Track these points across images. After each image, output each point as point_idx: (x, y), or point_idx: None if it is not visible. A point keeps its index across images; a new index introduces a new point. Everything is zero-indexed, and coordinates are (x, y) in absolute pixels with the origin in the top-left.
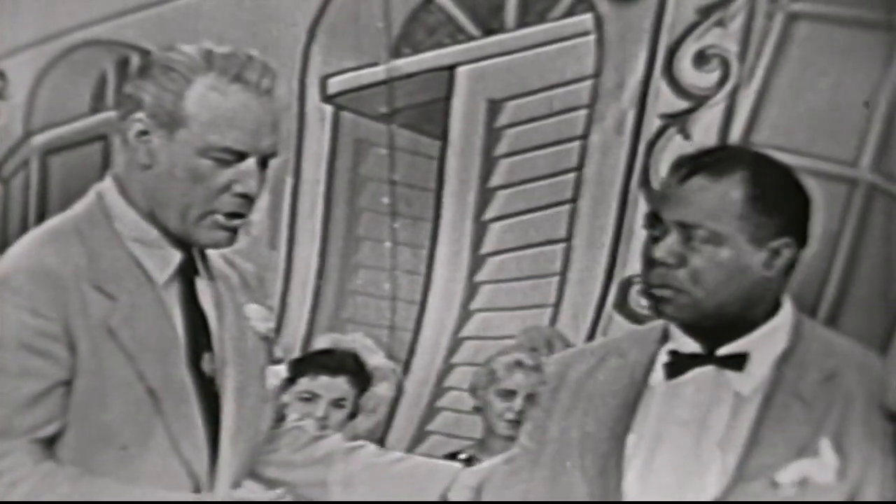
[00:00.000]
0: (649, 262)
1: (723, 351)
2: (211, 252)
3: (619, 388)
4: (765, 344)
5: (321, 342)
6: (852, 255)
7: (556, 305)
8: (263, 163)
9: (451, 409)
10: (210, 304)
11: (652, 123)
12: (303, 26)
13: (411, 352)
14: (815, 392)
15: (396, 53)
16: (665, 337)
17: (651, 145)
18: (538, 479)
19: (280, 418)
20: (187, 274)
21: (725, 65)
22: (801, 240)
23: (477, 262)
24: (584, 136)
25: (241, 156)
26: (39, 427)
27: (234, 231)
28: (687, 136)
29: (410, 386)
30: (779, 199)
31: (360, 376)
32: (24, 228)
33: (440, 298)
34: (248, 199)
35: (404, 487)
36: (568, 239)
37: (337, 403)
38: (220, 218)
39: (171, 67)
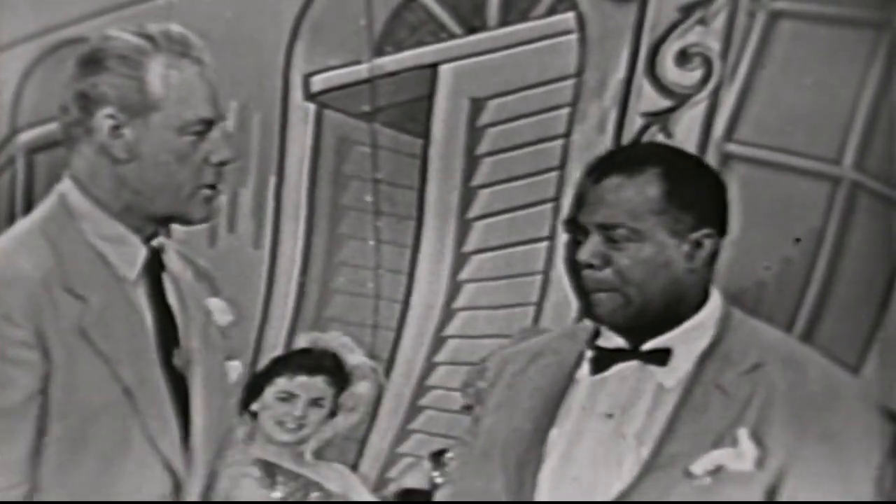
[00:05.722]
0: (574, 267)
1: (647, 346)
2: (168, 248)
3: (546, 384)
4: (689, 338)
5: (301, 341)
6: (835, 253)
7: (539, 304)
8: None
9: (434, 407)
10: (174, 299)
11: (634, 122)
12: (286, 24)
13: (394, 350)
14: (737, 383)
15: (379, 52)
16: (597, 333)
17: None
18: (468, 474)
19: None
20: (153, 269)
21: (708, 63)
22: (721, 229)
23: (460, 260)
24: (567, 135)
25: (211, 124)
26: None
27: (214, 201)
28: (669, 135)
29: (393, 385)
30: (695, 192)
31: (339, 375)
32: (11, 227)
33: (423, 297)
34: (222, 168)
35: None
36: (550, 237)
37: (315, 402)
38: (206, 191)
39: (122, 55)
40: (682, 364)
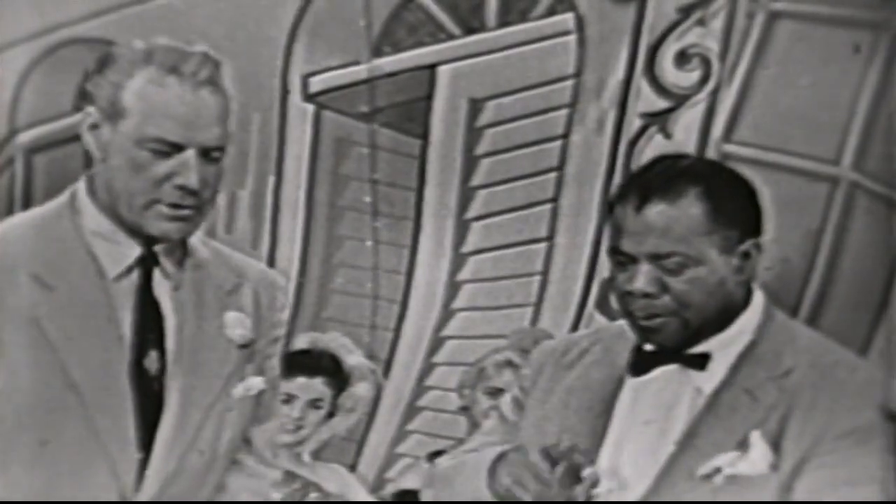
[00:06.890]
0: (627, 294)
1: (687, 351)
2: (202, 252)
3: (596, 383)
4: (729, 343)
5: (300, 342)
6: (834, 254)
7: (538, 305)
8: (206, 155)
9: (432, 408)
10: (170, 303)
11: (633, 123)
12: (284, 25)
13: (392, 351)
14: (766, 388)
15: (378, 52)
16: None
17: (632, 145)
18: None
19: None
20: (147, 269)
21: (706, 64)
22: (760, 233)
23: (458, 261)
24: (565, 136)
25: (179, 147)
26: None
27: (183, 222)
28: (668, 136)
29: (391, 385)
30: (736, 205)
31: (337, 376)
32: None
33: (422, 298)
34: (191, 192)
35: None
36: (549, 238)
37: (313, 404)
38: (163, 208)
39: (115, 61)
40: (719, 368)
